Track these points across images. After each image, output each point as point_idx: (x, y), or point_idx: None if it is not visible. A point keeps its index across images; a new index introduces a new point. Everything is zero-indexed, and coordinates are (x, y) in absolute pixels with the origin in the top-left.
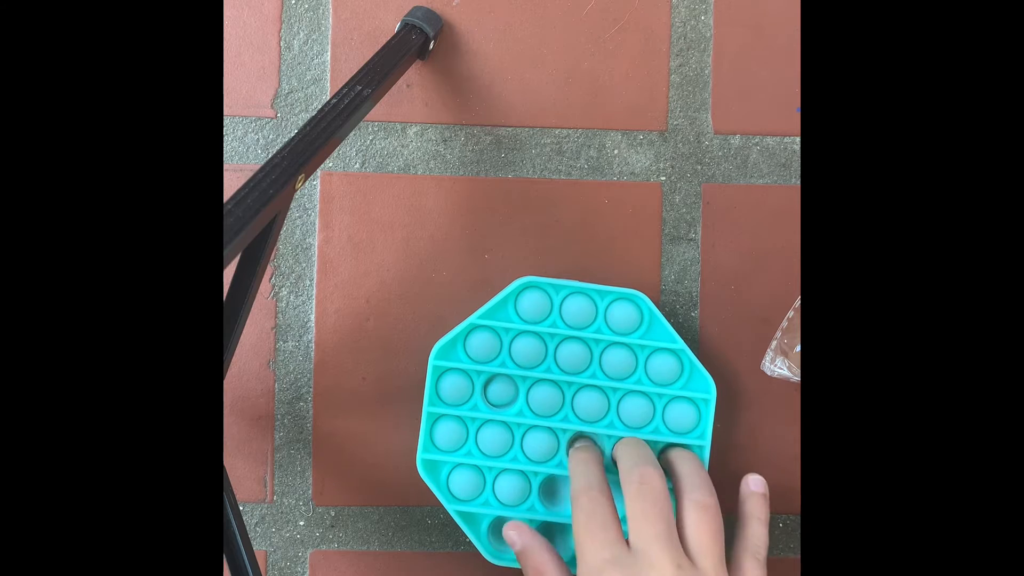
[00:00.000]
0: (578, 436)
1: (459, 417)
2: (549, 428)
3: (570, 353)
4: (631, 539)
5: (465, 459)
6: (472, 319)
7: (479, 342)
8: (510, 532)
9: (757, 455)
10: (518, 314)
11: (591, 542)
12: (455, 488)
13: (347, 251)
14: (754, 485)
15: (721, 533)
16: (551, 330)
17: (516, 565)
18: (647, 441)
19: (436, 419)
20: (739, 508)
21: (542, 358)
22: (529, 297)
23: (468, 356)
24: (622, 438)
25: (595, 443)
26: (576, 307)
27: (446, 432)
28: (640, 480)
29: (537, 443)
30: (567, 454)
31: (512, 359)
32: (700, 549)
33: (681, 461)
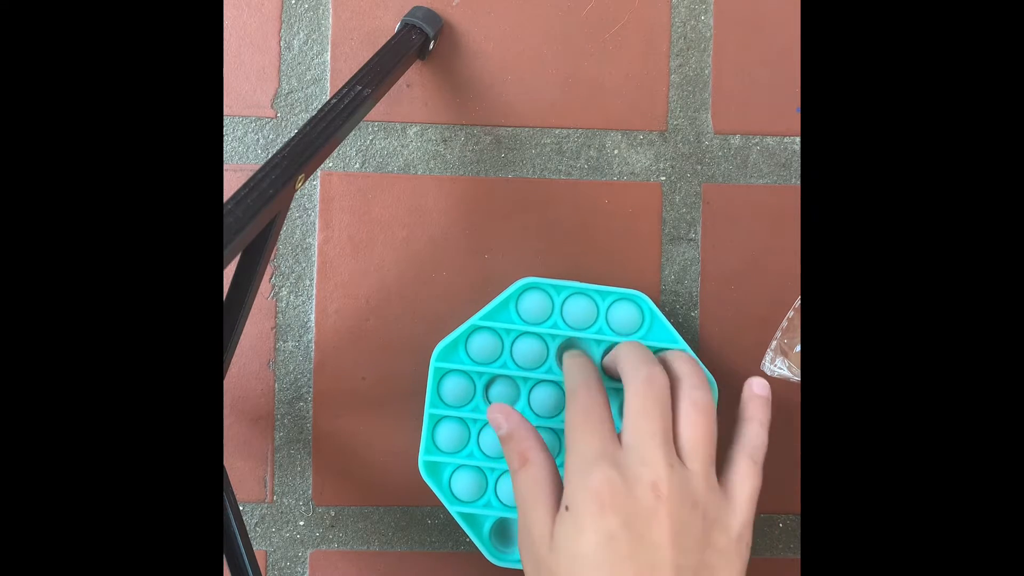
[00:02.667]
0: (569, 344)
1: (461, 418)
2: (551, 429)
3: None
4: (625, 435)
5: (467, 460)
6: (473, 320)
7: (480, 343)
8: (496, 414)
9: None
10: (519, 315)
11: (584, 436)
12: (457, 490)
13: (347, 251)
14: (757, 388)
15: (714, 435)
16: (552, 331)
17: (518, 566)
18: None
19: (438, 421)
20: (740, 410)
21: (543, 359)
22: (530, 298)
23: (469, 357)
24: (624, 342)
25: (582, 350)
26: (577, 308)
27: (448, 433)
28: (648, 379)
29: None
30: (558, 362)
31: (513, 360)
32: (692, 449)
33: (680, 361)
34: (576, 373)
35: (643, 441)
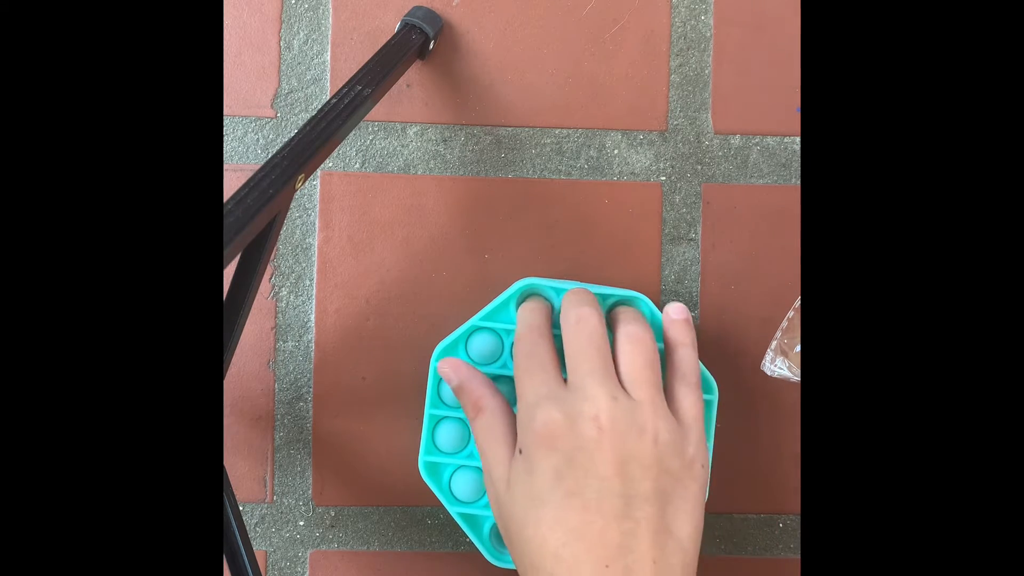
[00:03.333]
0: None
1: (461, 419)
2: None
3: None
4: (569, 377)
5: (467, 461)
6: (473, 321)
7: (481, 344)
8: (444, 368)
9: (757, 455)
10: None
11: (529, 380)
12: (457, 490)
13: (347, 251)
14: (674, 312)
15: (656, 363)
16: (553, 331)
17: None
18: None
19: (438, 421)
20: (664, 338)
21: None
22: (530, 298)
23: (470, 358)
24: (569, 290)
25: (545, 299)
26: None
27: (448, 434)
28: (577, 320)
29: None
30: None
31: (513, 361)
32: (634, 379)
33: (621, 309)
34: (523, 320)
35: (584, 379)
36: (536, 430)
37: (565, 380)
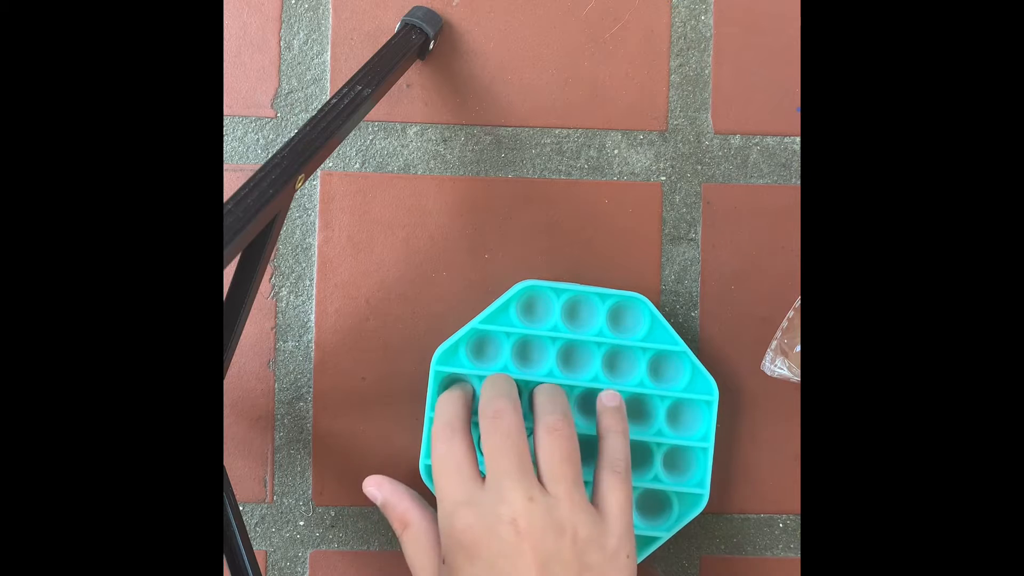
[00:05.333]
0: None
1: None
2: None
3: (572, 356)
4: (487, 476)
5: None
6: (473, 323)
7: (481, 347)
8: (369, 487)
9: (757, 455)
10: (519, 318)
11: (447, 483)
12: None
13: (347, 251)
14: (607, 400)
15: (574, 455)
16: (552, 333)
17: None
18: (646, 443)
19: None
20: (597, 425)
21: (544, 362)
22: (530, 301)
23: (470, 361)
24: (489, 376)
25: (468, 383)
26: (577, 310)
27: None
28: (494, 415)
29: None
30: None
31: (514, 363)
32: (552, 474)
33: (538, 391)
34: (440, 412)
35: (499, 479)
36: (456, 538)
37: (483, 475)
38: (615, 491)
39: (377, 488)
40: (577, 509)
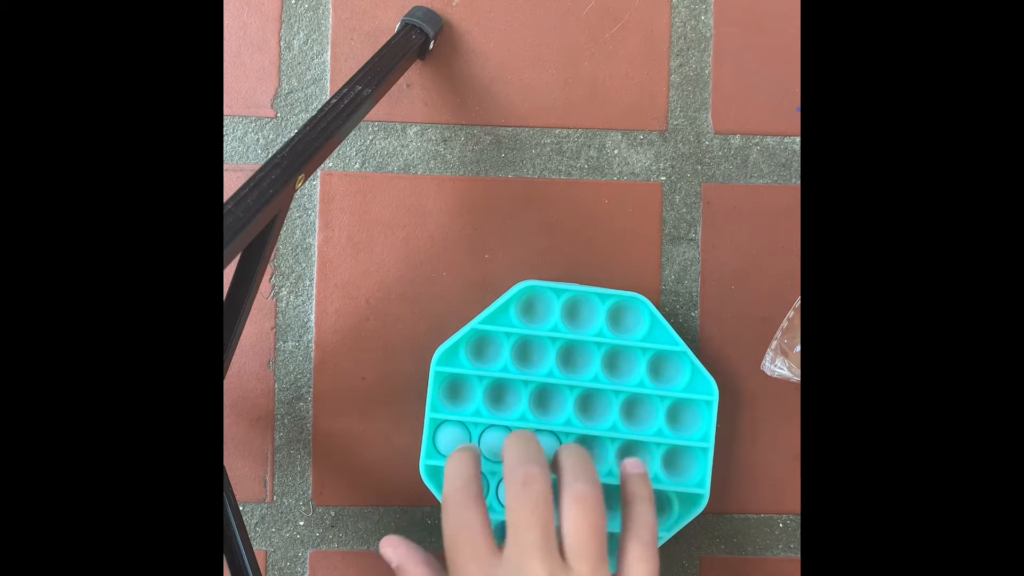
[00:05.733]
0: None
1: (461, 422)
2: (552, 432)
3: (572, 357)
4: (506, 548)
5: None
6: (473, 324)
7: (481, 347)
8: (385, 548)
9: (757, 455)
10: (519, 318)
11: (461, 558)
12: None
13: (347, 251)
14: (631, 467)
15: (601, 528)
16: (552, 334)
17: None
18: (647, 442)
19: (438, 425)
20: (621, 492)
21: (544, 362)
22: (530, 301)
23: (470, 361)
24: (514, 431)
25: (477, 446)
26: (577, 310)
27: (449, 438)
28: (523, 481)
29: None
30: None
31: (514, 363)
32: (577, 549)
33: (565, 454)
34: (450, 476)
35: (522, 555)
36: None
37: (499, 543)
38: (641, 562)
39: (393, 550)
40: None
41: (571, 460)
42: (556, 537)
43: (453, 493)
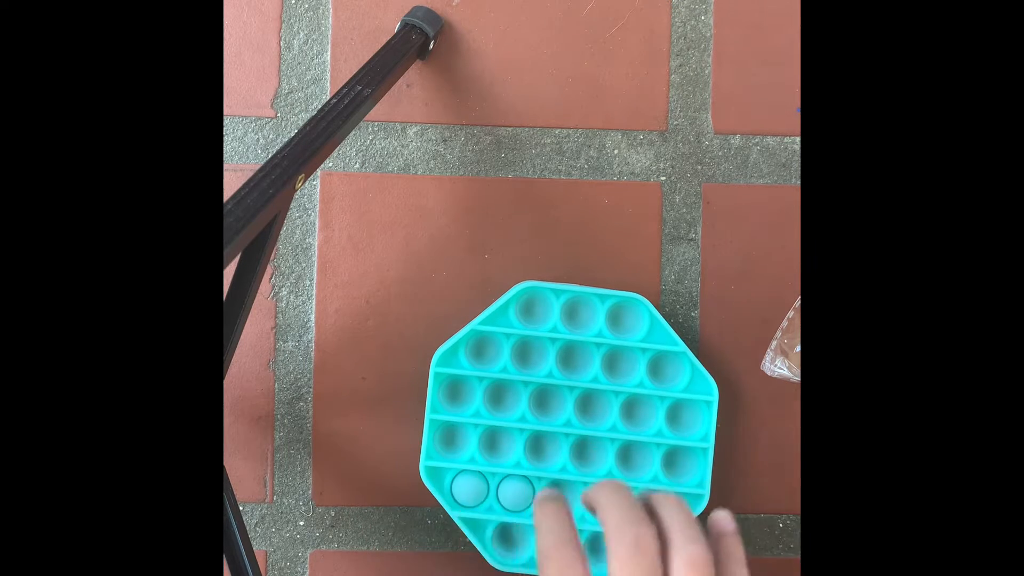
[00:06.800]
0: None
1: (462, 423)
2: (552, 432)
3: (572, 357)
4: None
5: (468, 465)
6: (473, 325)
7: (480, 347)
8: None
9: (757, 455)
10: (519, 319)
11: None
12: (459, 494)
13: (347, 251)
14: (724, 524)
15: None
16: (552, 334)
17: (522, 571)
18: (648, 443)
19: (439, 426)
20: (715, 549)
21: (544, 363)
22: (530, 301)
23: (469, 362)
24: (598, 483)
25: (560, 492)
26: (577, 311)
27: (449, 439)
28: (635, 545)
29: (540, 448)
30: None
31: (514, 364)
32: None
33: (668, 509)
34: (548, 530)
35: None
36: None
37: None
38: None
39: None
40: None
41: (679, 518)
42: None
43: (556, 545)
